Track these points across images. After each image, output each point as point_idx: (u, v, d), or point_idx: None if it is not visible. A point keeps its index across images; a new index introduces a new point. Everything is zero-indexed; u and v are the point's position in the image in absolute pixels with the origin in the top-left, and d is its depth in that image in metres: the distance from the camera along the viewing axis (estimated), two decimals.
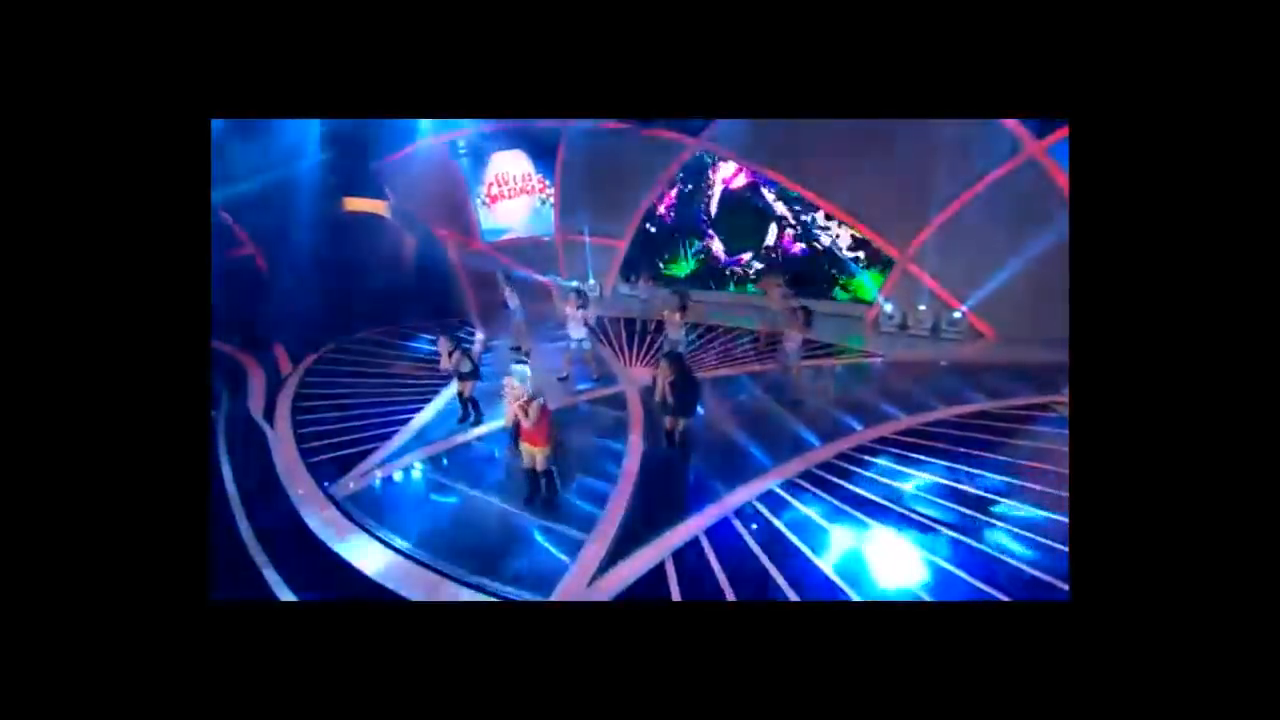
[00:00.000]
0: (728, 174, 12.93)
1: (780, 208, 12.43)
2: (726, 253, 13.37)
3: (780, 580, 4.91)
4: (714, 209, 13.28)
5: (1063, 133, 9.29)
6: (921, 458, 6.75)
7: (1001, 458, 6.68)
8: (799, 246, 12.45)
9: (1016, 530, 5.40)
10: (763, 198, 12.58)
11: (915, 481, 6.31)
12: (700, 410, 7.44)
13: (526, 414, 5.52)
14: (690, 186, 13.36)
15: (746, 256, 13.15)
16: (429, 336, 7.79)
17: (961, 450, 6.84)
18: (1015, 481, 6.16)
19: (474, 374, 7.76)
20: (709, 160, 12.96)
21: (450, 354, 7.63)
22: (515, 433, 5.89)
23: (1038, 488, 6.00)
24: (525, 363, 5.92)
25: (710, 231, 13.47)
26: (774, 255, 12.84)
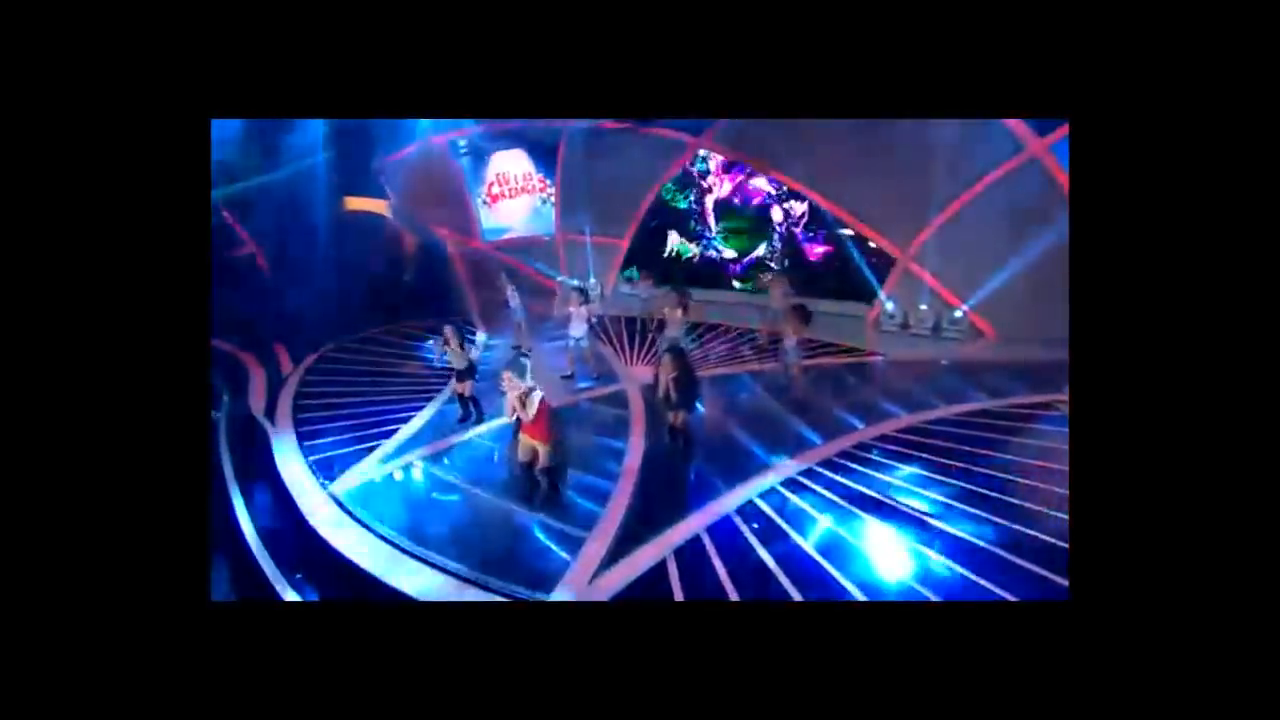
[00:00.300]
0: (729, 175, 12.93)
1: (797, 206, 12.38)
2: (730, 256, 13.36)
3: (782, 577, 4.91)
4: (711, 211, 13.27)
5: (1065, 130, 9.26)
6: (923, 455, 6.75)
7: (1004, 455, 6.68)
8: (819, 250, 12.40)
9: (1017, 528, 5.40)
10: (765, 197, 12.57)
11: (916, 479, 6.31)
12: (700, 407, 7.43)
13: (524, 405, 5.50)
14: (683, 187, 13.40)
15: (755, 254, 13.11)
16: (436, 336, 7.81)
17: (963, 448, 6.84)
18: (1017, 479, 6.16)
19: (470, 373, 7.77)
20: (705, 159, 12.99)
21: (459, 345, 7.64)
22: (516, 428, 5.88)
23: (1040, 485, 6.00)
24: (526, 356, 5.91)
25: (705, 235, 13.49)
26: (774, 259, 12.84)
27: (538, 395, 5.55)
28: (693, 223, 13.55)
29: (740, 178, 12.79)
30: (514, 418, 5.73)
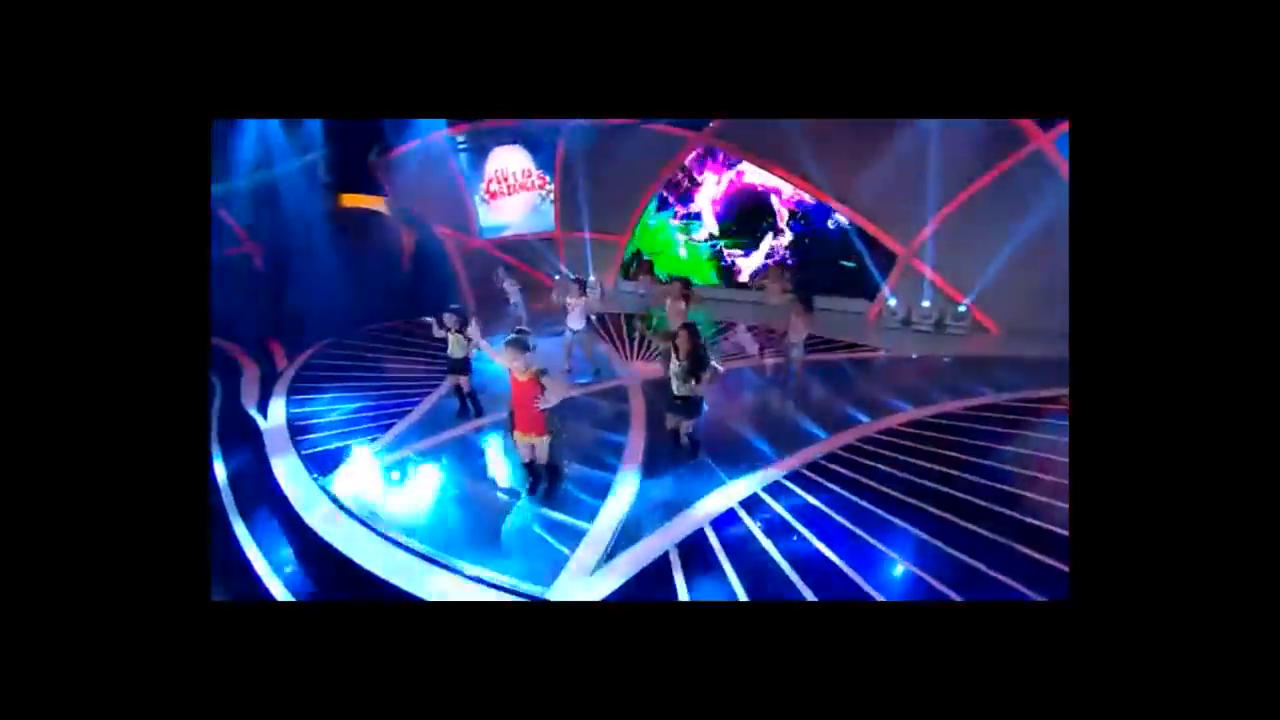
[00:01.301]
0: (731, 172, 12.93)
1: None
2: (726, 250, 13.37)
3: (787, 569, 4.90)
4: (710, 208, 13.27)
5: (1067, 125, 9.24)
6: (927, 449, 6.76)
7: (1011, 449, 6.71)
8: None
9: (1023, 521, 5.40)
10: (765, 194, 12.55)
11: (920, 473, 6.30)
12: (704, 407, 7.38)
13: (542, 391, 5.29)
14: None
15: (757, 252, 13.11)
16: (448, 314, 7.68)
17: (967, 442, 6.86)
18: (1022, 473, 6.18)
19: (466, 367, 7.71)
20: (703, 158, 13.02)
21: (462, 332, 7.52)
22: (510, 426, 5.80)
23: (1045, 478, 6.02)
24: (526, 332, 5.78)
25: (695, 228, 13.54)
26: (776, 254, 12.83)
27: (547, 376, 5.41)
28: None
29: (726, 171, 12.77)
30: (509, 415, 5.60)
